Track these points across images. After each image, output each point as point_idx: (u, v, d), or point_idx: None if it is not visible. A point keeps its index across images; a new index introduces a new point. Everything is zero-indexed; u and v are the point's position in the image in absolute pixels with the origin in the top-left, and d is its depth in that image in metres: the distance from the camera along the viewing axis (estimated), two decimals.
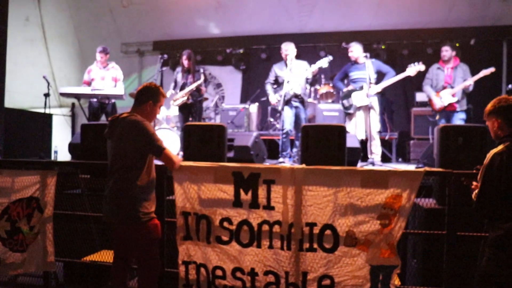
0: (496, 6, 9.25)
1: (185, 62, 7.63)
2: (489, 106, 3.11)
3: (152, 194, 3.53)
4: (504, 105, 3.03)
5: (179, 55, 10.52)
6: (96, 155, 4.66)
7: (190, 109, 7.63)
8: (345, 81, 7.73)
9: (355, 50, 7.21)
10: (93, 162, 4.78)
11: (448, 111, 7.24)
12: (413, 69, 6.95)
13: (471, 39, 9.37)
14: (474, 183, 3.17)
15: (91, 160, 4.82)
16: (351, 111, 7.18)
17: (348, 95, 7.21)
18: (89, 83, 7.96)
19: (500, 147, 2.93)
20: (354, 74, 7.22)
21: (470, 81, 7.08)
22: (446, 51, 7.30)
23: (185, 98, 7.51)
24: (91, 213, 4.62)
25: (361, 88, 7.00)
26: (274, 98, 7.10)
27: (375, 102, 7.08)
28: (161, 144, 3.38)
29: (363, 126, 7.00)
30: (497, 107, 3.05)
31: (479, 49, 9.41)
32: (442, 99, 7.17)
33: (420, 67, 6.94)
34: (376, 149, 7.06)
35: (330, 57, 7.09)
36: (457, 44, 9.30)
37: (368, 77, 6.92)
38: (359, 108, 7.09)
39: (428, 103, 7.58)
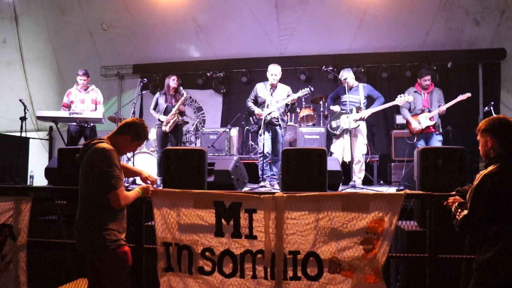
0: (471, 30, 9.50)
1: (173, 83, 7.64)
2: (485, 123, 2.99)
3: (121, 221, 3.41)
4: (503, 126, 2.93)
5: (159, 79, 10.53)
6: (74, 181, 4.45)
7: (170, 133, 7.56)
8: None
9: (349, 78, 7.30)
10: (69, 188, 4.64)
11: (426, 133, 7.35)
12: (402, 99, 7.13)
13: (448, 62, 9.56)
14: (450, 199, 3.13)
15: (68, 185, 4.65)
16: (337, 132, 7.23)
17: (337, 116, 7.30)
18: (68, 106, 7.83)
19: (489, 168, 2.84)
20: (346, 97, 7.20)
21: (447, 106, 7.28)
22: (428, 80, 7.49)
23: (176, 118, 7.51)
24: (67, 240, 4.48)
25: (351, 111, 7.07)
26: (258, 110, 6.98)
27: (363, 126, 7.22)
28: (114, 183, 3.22)
29: (349, 149, 7.05)
30: (495, 126, 2.94)
31: (456, 72, 9.62)
32: (420, 123, 7.29)
33: (409, 97, 7.16)
34: (360, 173, 7.16)
35: (311, 88, 7.12)
36: (435, 67, 9.47)
37: (359, 101, 7.15)
38: (346, 131, 7.13)
39: (406, 126, 7.69)
